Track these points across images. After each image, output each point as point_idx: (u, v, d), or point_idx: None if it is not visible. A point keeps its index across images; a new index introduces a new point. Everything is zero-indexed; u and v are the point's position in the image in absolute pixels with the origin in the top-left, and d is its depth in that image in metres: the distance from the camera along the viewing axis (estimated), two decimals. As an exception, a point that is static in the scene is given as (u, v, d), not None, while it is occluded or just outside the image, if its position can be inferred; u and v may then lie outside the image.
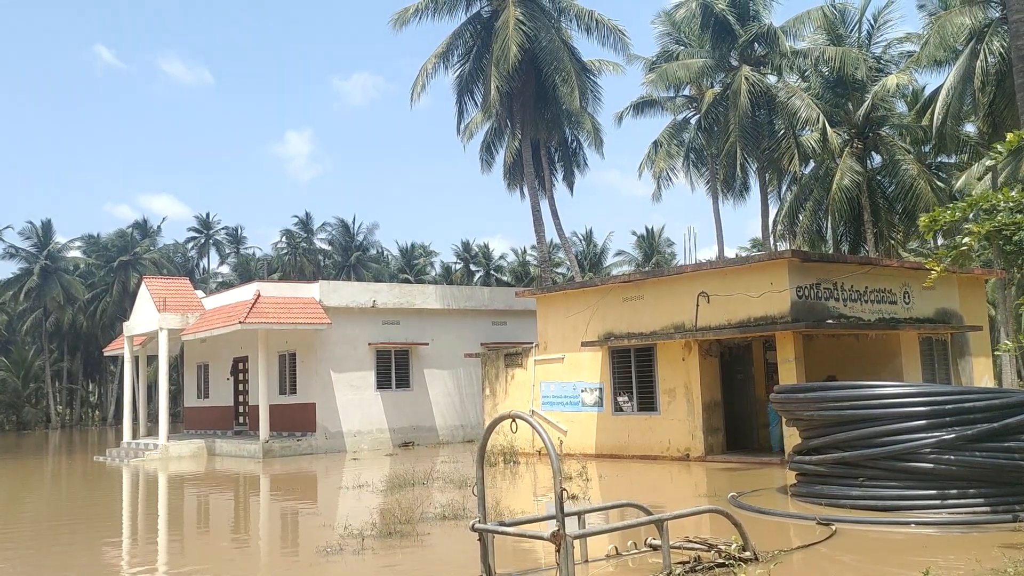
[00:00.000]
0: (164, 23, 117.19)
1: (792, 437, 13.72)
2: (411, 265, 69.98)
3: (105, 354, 35.77)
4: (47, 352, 58.75)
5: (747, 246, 63.83)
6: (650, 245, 65.70)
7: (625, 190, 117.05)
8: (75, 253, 61.30)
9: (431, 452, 23.18)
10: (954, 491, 9.80)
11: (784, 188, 34.78)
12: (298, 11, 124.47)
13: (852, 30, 29.89)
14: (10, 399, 56.05)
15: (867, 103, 28.38)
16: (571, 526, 7.25)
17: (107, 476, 21.65)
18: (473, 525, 7.38)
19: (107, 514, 15.12)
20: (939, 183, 30.49)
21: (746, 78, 28.75)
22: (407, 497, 13.15)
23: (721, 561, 7.58)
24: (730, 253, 44.09)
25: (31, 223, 58.01)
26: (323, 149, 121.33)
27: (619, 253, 67.26)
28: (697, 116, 32.68)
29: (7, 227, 57.55)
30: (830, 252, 29.01)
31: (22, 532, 13.04)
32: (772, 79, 30.87)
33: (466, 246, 72.53)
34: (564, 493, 6.62)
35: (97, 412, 65.29)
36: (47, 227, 57.98)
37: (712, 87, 31.51)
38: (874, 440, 10.24)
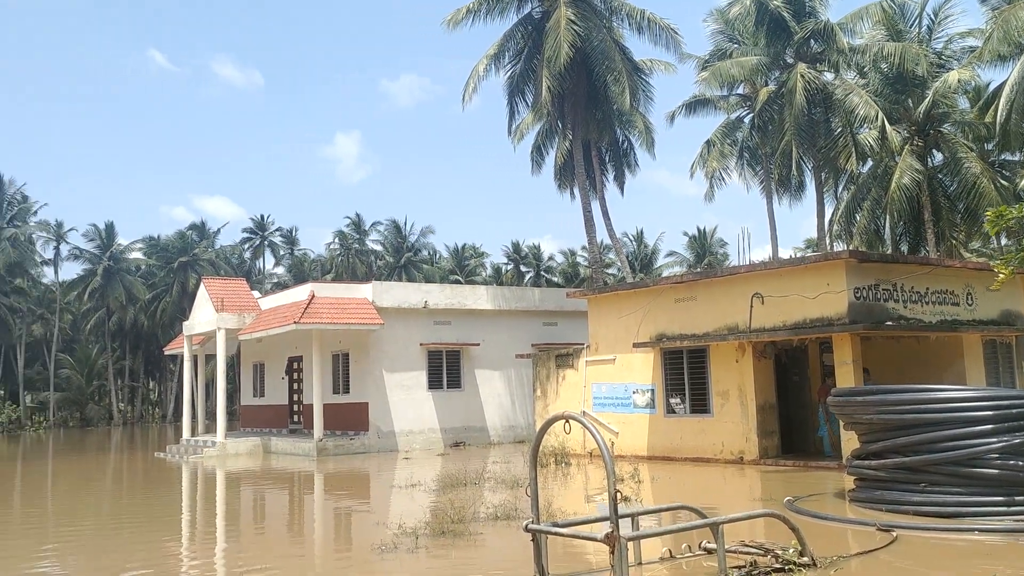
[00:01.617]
0: (215, 26, 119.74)
1: (850, 441, 13.46)
2: (462, 266, 70.31)
3: (165, 353, 36.64)
4: (110, 351, 60.38)
5: (802, 246, 62.77)
6: (702, 246, 65.03)
7: (676, 190, 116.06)
8: (136, 254, 62.91)
9: (482, 452, 23.25)
10: (1021, 497, 9.52)
11: (841, 187, 34.10)
12: (346, 13, 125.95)
13: (912, 25, 29.17)
14: (75, 396, 57.74)
15: (928, 100, 27.66)
16: (624, 528, 7.21)
17: (167, 472, 22.17)
18: (526, 526, 7.38)
19: (167, 509, 15.49)
20: (1003, 181, 29.58)
21: (802, 75, 28.25)
22: (459, 497, 13.21)
23: (778, 566, 7.46)
24: (784, 254, 43.39)
25: (94, 225, 59.70)
26: (371, 151, 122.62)
27: (670, 254, 66.77)
28: (751, 115, 32.22)
29: (71, 229, 59.26)
30: (889, 252, 28.36)
31: (86, 525, 13.43)
32: (829, 76, 30.29)
33: (516, 247, 72.63)
34: (619, 495, 6.59)
35: (157, 409, 66.90)
36: (110, 229, 59.59)
37: (767, 85, 31.03)
38: (937, 445, 9.99)
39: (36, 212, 57.15)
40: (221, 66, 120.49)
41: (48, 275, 60.98)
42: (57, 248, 58.85)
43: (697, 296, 18.49)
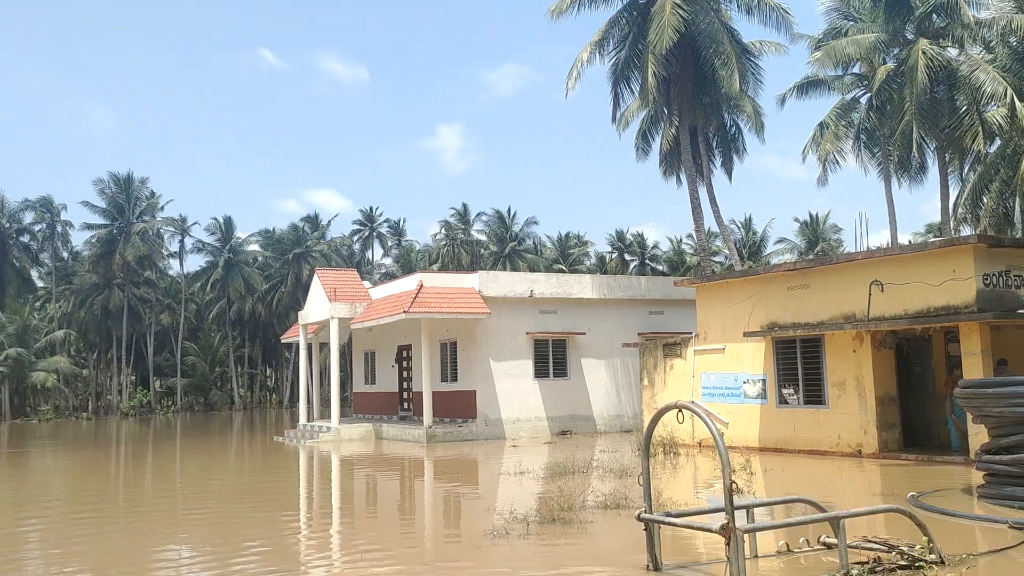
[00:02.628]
0: (321, 22, 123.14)
1: (979, 435, 12.79)
2: (566, 255, 70.24)
3: (282, 341, 38.08)
4: (230, 339, 63.18)
5: (922, 231, 59.98)
6: (814, 232, 62.96)
7: (784, 174, 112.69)
8: (253, 247, 65.49)
9: (589, 441, 23.22)
10: None
11: (966, 168, 32.32)
12: (444, 4, 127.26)
13: (1044, -6, 27.31)
14: (199, 382, 60.73)
15: (1062, 74, 25.91)
16: (739, 520, 7.06)
17: (286, 456, 23.06)
18: (639, 515, 7.32)
19: (287, 491, 16.11)
20: None
21: (923, 52, 26.88)
22: (568, 485, 13.22)
23: (904, 563, 7.15)
24: (904, 239, 41.48)
25: (215, 219, 62.62)
26: (473, 141, 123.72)
27: (780, 240, 64.87)
28: (868, 95, 30.89)
29: (194, 223, 62.25)
30: (1020, 236, 26.70)
31: (210, 503, 14.11)
32: (953, 52, 28.70)
33: (620, 235, 72.04)
34: (734, 487, 6.45)
35: (274, 395, 69.69)
36: (228, 223, 62.29)
37: (885, 63, 29.67)
38: (1077, 440, 9.38)
39: (163, 208, 60.21)
40: (328, 62, 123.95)
41: (174, 267, 64.35)
42: (182, 241, 62.03)
43: (811, 284, 17.91)
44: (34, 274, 61.84)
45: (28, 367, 50.83)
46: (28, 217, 58.38)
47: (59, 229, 59.89)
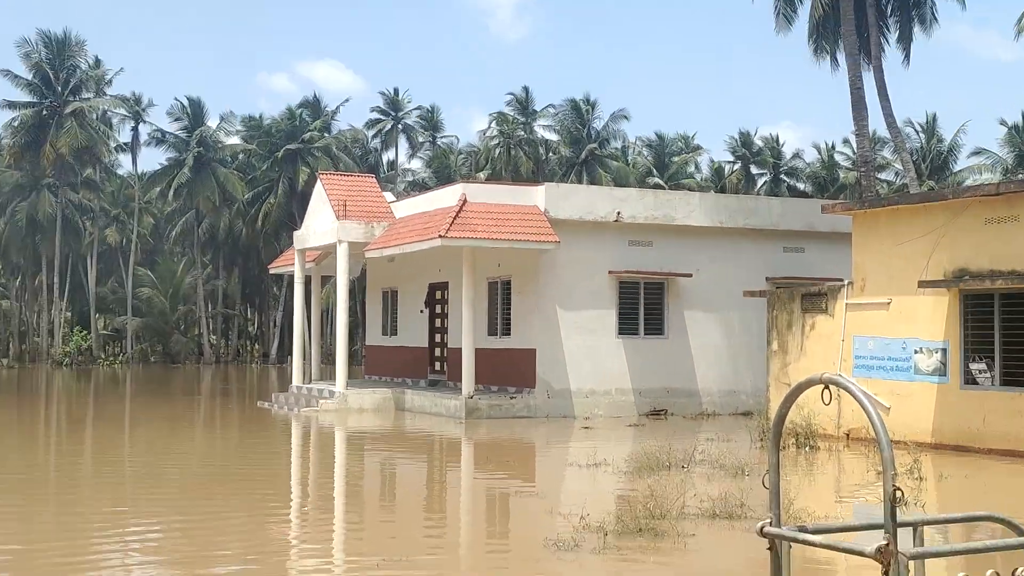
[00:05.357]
0: None
1: None
2: (666, 164, 69.72)
3: (270, 271, 38.70)
4: (199, 267, 64.13)
5: None
6: (1028, 141, 61.31)
7: (986, 55, 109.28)
8: (232, 140, 65.88)
9: (691, 424, 23.32)
10: None
11: None
12: None
13: None
14: (156, 324, 61.80)
15: None
16: (904, 541, 7.07)
17: (272, 428, 23.62)
18: (762, 528, 7.35)
19: (273, 477, 16.54)
20: None
21: None
22: (661, 484, 13.32)
23: None
24: None
25: (179, 100, 63.05)
26: (533, 0, 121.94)
27: (977, 152, 63.39)
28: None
29: (151, 105, 62.58)
30: None
31: (173, 494, 14.51)
32: None
33: (745, 139, 71.14)
34: (898, 495, 6.44)
35: (258, 346, 71.16)
36: (197, 106, 62.76)
37: None
38: None
39: (110, 81, 60.83)
40: None
41: (124, 165, 65.43)
42: (135, 130, 62.93)
43: (1021, 216, 17.53)
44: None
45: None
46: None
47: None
